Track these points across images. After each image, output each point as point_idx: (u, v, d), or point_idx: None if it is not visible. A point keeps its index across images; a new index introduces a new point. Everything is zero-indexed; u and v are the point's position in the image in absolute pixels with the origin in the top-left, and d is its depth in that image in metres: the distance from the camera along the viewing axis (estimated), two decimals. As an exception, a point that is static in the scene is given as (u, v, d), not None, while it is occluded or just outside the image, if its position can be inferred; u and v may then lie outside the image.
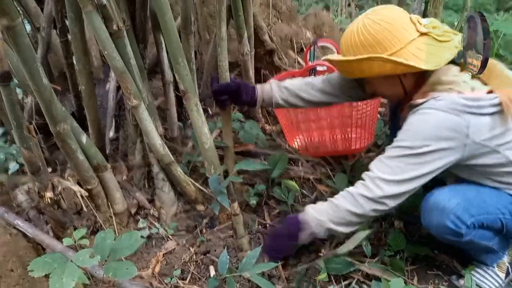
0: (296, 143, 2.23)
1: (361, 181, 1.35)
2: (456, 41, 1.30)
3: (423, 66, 1.24)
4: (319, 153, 2.18)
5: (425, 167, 1.26)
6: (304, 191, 1.96)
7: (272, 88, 1.65)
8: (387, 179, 1.28)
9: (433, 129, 1.23)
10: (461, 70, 1.30)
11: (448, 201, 1.29)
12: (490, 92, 1.25)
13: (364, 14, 1.34)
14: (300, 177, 2.00)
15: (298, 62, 2.68)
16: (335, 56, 1.42)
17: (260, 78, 2.52)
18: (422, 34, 1.28)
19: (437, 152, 1.24)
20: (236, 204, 1.52)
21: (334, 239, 1.63)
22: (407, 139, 1.27)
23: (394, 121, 1.79)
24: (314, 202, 1.89)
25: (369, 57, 1.26)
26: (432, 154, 1.24)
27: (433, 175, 1.28)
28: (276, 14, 2.80)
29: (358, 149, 2.16)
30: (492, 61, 1.31)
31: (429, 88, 1.30)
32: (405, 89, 1.38)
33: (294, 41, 2.73)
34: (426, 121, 1.24)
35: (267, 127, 2.38)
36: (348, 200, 1.34)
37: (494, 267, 1.47)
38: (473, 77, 1.28)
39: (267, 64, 2.55)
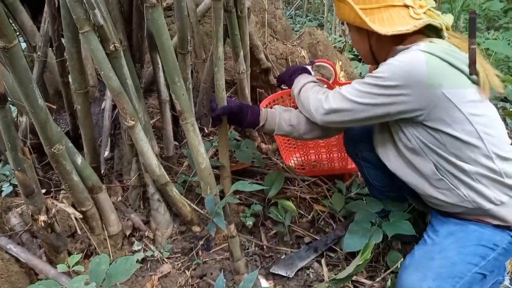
0: (292, 161, 2.22)
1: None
2: (427, 20, 1.30)
3: (376, 28, 1.28)
4: (316, 172, 2.17)
5: (382, 99, 1.28)
6: (301, 211, 1.94)
7: (277, 110, 1.61)
8: (345, 96, 1.35)
9: (411, 68, 1.23)
10: None
11: (420, 287, 1.23)
12: None
13: None
14: (296, 196, 1.99)
15: (294, 81, 2.69)
16: None
17: (256, 97, 2.52)
18: (406, 6, 1.30)
19: (405, 90, 1.24)
20: (233, 226, 1.50)
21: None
22: (386, 71, 1.27)
23: None
24: (311, 222, 1.90)
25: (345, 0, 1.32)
26: (400, 91, 1.24)
27: (384, 117, 1.33)
28: (271, 33, 2.82)
29: (355, 168, 2.15)
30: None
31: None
32: (371, 49, 1.43)
33: (290, 59, 2.74)
34: (408, 58, 1.25)
35: (263, 146, 2.37)
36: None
37: None
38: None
39: (263, 82, 2.56)
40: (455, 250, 1.30)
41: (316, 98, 1.45)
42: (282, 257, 1.71)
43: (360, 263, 1.36)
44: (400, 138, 1.38)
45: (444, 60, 1.23)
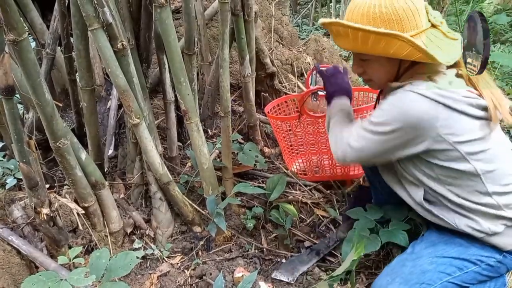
0: (294, 166, 2.22)
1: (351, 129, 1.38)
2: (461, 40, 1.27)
3: (441, 59, 1.17)
4: (318, 177, 2.17)
5: (388, 144, 1.26)
6: (302, 216, 1.94)
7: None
8: (352, 145, 1.33)
9: (403, 111, 1.20)
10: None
11: None
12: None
13: None
14: (298, 201, 1.99)
15: (298, 86, 2.70)
16: (345, 22, 1.23)
17: (260, 101, 2.54)
18: (433, 25, 1.25)
19: (401, 133, 1.22)
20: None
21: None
22: (380, 116, 1.26)
23: None
24: (311, 227, 1.90)
25: (396, 34, 1.15)
26: (397, 134, 1.22)
27: (395, 155, 1.29)
28: (277, 38, 2.84)
29: (357, 175, 2.15)
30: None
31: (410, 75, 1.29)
32: (398, 74, 1.32)
33: (295, 65, 2.76)
34: (400, 101, 1.22)
35: (266, 149, 2.38)
36: (344, 131, 1.40)
37: None
38: (458, 76, 1.27)
39: (268, 87, 2.58)
40: (429, 259, 1.29)
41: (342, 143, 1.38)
42: (282, 260, 1.71)
43: (355, 258, 1.36)
44: (398, 165, 1.38)
45: (440, 103, 1.19)
